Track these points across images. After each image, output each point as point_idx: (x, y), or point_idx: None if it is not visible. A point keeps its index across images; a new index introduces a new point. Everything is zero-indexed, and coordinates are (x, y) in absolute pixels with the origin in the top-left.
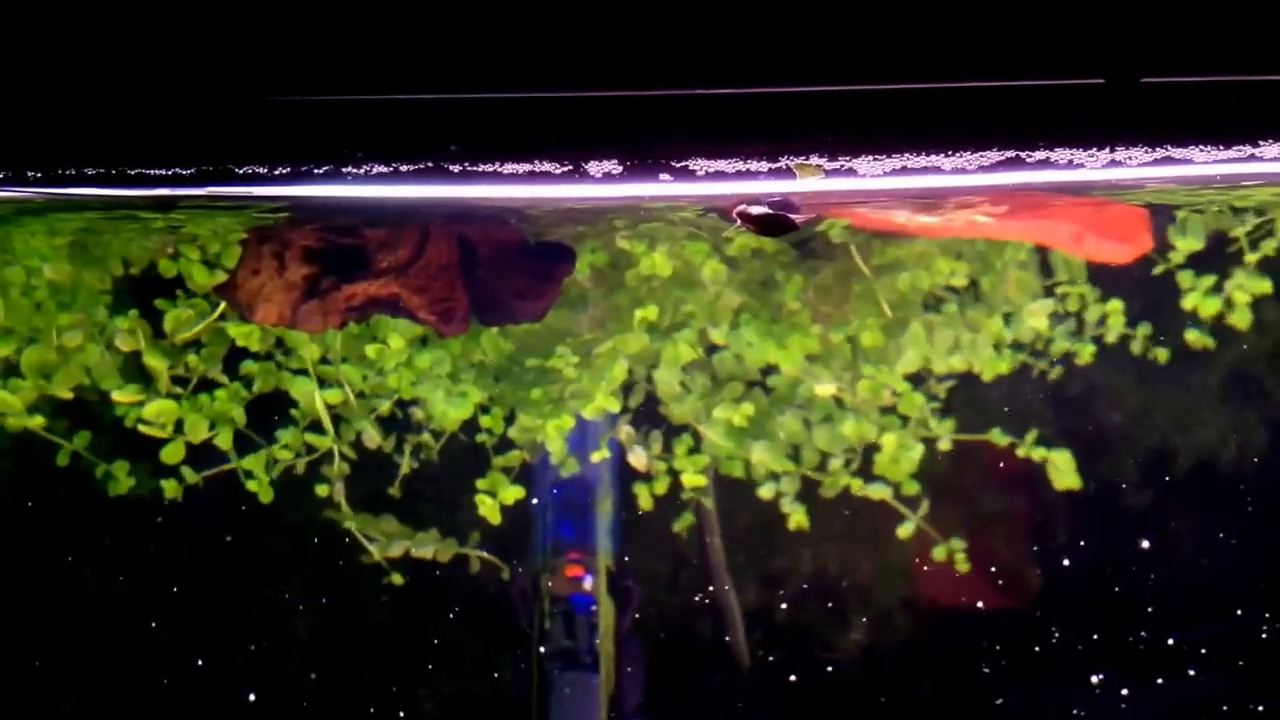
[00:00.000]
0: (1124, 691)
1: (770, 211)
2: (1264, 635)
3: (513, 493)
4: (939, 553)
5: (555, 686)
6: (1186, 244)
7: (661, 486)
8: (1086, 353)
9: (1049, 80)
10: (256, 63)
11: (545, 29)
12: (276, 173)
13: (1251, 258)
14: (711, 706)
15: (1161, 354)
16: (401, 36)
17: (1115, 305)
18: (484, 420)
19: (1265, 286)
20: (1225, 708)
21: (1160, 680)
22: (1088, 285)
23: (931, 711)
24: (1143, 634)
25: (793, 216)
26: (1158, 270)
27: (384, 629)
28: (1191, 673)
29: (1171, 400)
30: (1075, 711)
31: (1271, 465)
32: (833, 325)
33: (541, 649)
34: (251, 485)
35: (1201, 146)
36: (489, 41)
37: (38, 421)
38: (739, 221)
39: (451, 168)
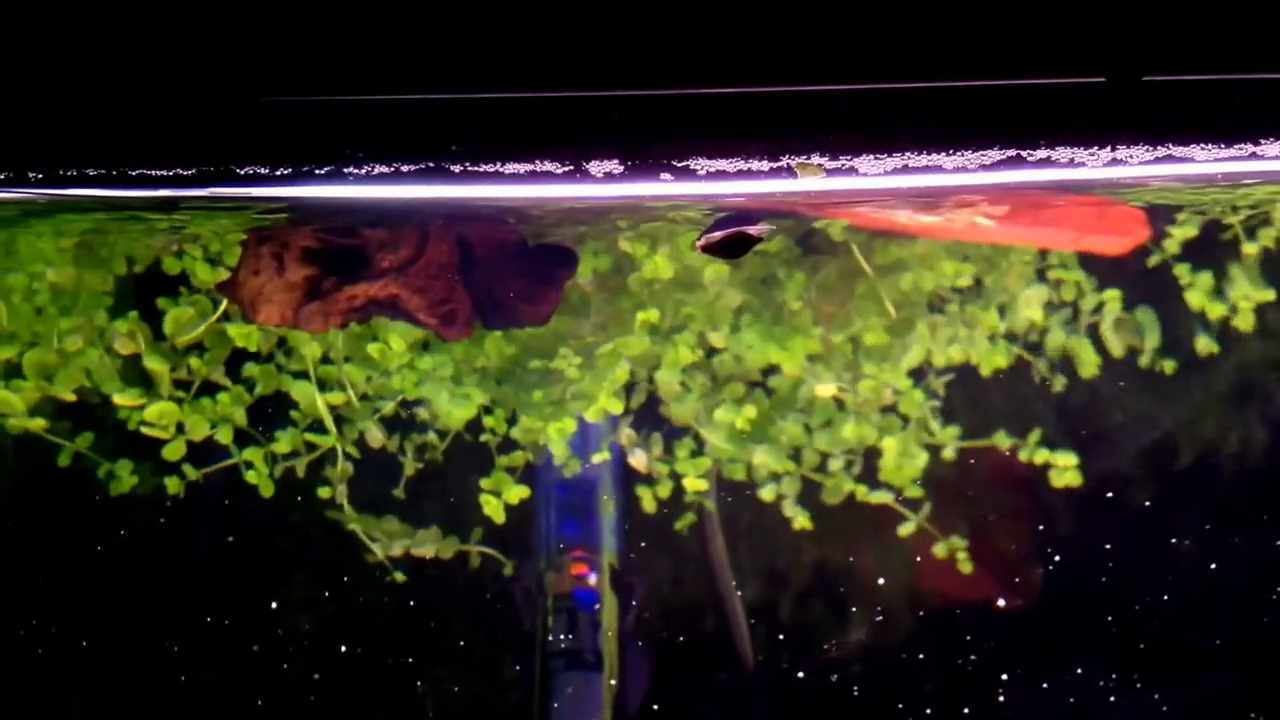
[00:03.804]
0: (1128, 693)
1: (730, 232)
2: (1267, 638)
3: (517, 492)
4: (941, 553)
5: (558, 685)
6: (1182, 232)
7: (664, 486)
8: (1085, 350)
9: (1051, 79)
10: (256, 63)
11: (545, 28)
12: (278, 173)
13: (1250, 249)
14: (715, 705)
15: (1154, 343)
16: (402, 36)
17: (1113, 294)
18: (487, 420)
19: (1265, 291)
20: (1227, 710)
21: (1164, 683)
22: (1082, 273)
23: (935, 712)
24: (1146, 636)
25: (752, 230)
26: (1152, 261)
27: (387, 628)
28: (1196, 676)
29: (1174, 394)
30: (1080, 713)
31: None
32: (835, 325)
33: (545, 648)
34: (250, 477)
35: (1203, 145)
36: (490, 41)
37: (39, 424)
38: (706, 253)
39: (452, 168)
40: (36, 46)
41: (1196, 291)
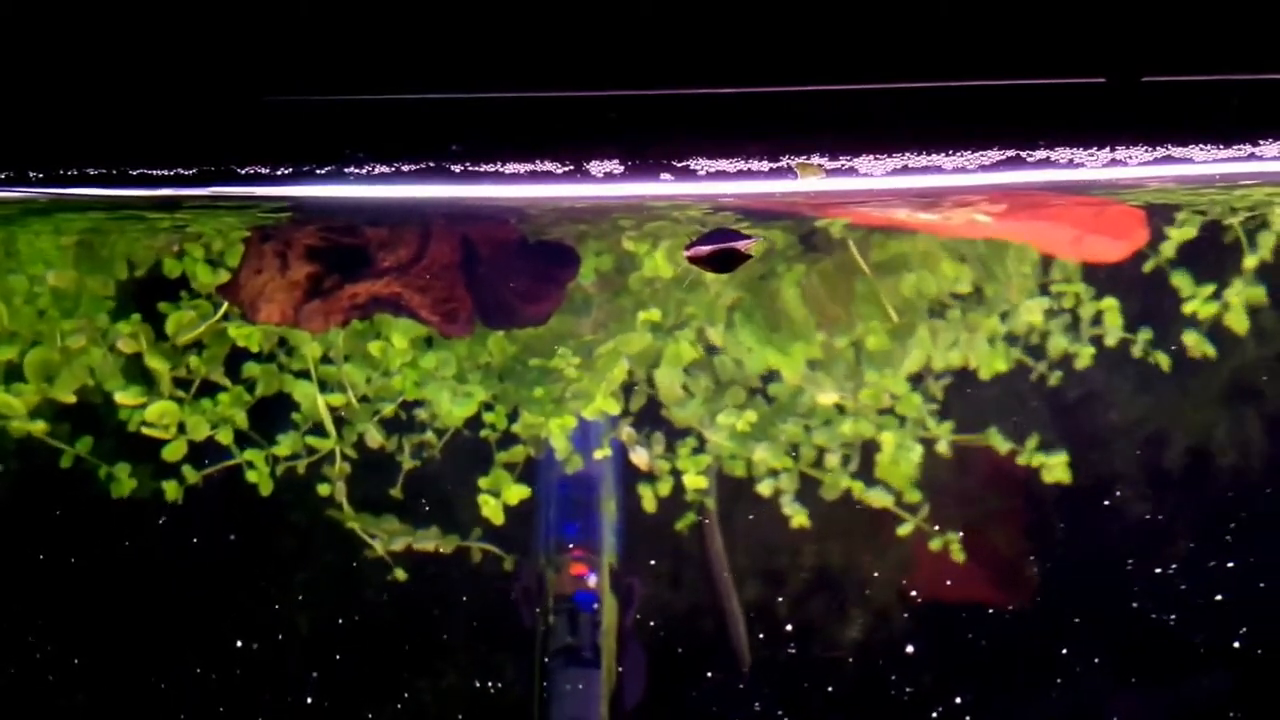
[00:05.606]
0: (1128, 695)
1: (719, 246)
2: (1265, 639)
3: (516, 491)
4: (938, 551)
5: (557, 684)
6: (1181, 233)
7: (664, 486)
8: (1085, 353)
9: (1051, 79)
10: (257, 63)
11: (546, 28)
12: (279, 173)
13: (1250, 261)
14: (713, 705)
15: (1157, 351)
16: (403, 36)
17: (1111, 302)
18: (487, 417)
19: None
20: (1221, 711)
21: (1163, 684)
22: (1082, 284)
23: (933, 710)
24: (1146, 637)
25: (741, 245)
26: (1148, 266)
27: (386, 626)
28: (1194, 677)
29: (1171, 397)
30: (1076, 712)
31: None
32: (835, 328)
33: (544, 646)
34: (251, 476)
35: (1202, 145)
36: (490, 41)
37: (40, 426)
38: (693, 264)
39: (453, 167)
40: (37, 46)
41: (1194, 290)
